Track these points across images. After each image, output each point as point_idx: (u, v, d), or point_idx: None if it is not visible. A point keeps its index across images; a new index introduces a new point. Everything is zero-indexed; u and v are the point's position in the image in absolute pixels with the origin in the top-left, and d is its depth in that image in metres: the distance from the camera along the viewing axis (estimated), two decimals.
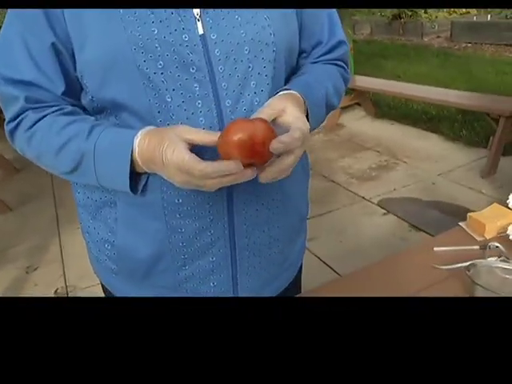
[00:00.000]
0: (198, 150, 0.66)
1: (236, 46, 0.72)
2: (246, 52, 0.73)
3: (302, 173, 0.91)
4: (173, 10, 0.69)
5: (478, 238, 1.03)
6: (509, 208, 1.07)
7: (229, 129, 0.65)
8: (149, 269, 0.82)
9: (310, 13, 0.84)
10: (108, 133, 0.72)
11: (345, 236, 2.66)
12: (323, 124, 3.47)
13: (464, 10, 9.18)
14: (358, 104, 4.97)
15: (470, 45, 7.63)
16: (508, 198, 1.09)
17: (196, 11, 0.71)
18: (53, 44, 0.71)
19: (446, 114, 4.37)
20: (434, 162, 3.56)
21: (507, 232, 0.99)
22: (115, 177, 0.72)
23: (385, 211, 2.92)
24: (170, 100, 0.71)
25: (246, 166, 0.64)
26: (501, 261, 0.91)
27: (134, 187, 0.73)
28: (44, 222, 3.32)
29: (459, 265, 0.92)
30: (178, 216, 0.77)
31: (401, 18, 9.19)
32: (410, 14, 9.05)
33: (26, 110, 0.75)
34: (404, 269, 0.97)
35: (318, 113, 0.81)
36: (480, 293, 0.81)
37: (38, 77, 0.73)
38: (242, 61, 0.73)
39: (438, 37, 8.55)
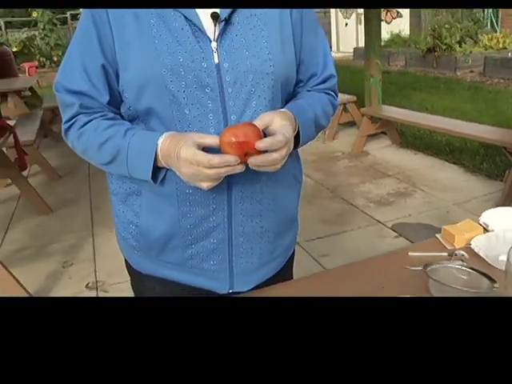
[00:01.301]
0: (204, 150, 0.89)
1: (243, 73, 0.95)
2: (250, 79, 0.95)
3: (292, 180, 1.12)
4: (196, 43, 0.93)
5: (449, 247, 1.20)
6: (479, 224, 1.25)
7: (224, 132, 0.88)
8: (163, 246, 1.05)
9: (308, 51, 1.07)
10: (139, 134, 0.96)
11: (355, 254, 2.82)
12: (349, 151, 3.75)
13: (501, 45, 9.25)
14: (384, 133, 5.14)
15: (502, 80, 7.70)
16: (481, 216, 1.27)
17: (214, 45, 0.94)
18: (103, 65, 0.96)
19: (469, 146, 4.49)
20: (452, 192, 3.69)
21: (471, 243, 1.16)
22: (142, 168, 0.95)
23: (397, 234, 3.07)
24: (188, 112, 0.93)
25: (243, 159, 0.87)
26: (463, 266, 1.09)
27: (154, 178, 0.96)
28: (80, 223, 3.61)
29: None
30: (188, 204, 0.99)
31: (435, 52, 9.31)
32: (444, 47, 9.17)
33: (79, 114, 0.99)
34: (380, 267, 1.16)
35: (307, 129, 1.03)
36: (433, 286, 0.99)
37: (89, 89, 0.97)
38: (246, 85, 0.95)
39: (472, 71, 8.63)
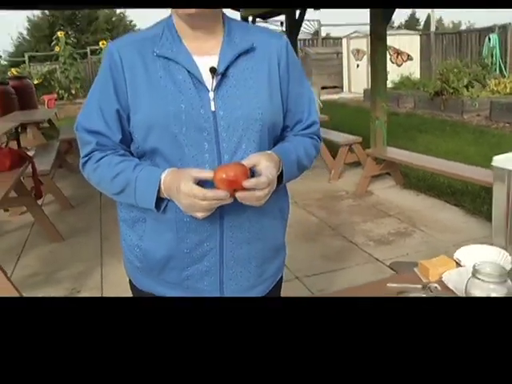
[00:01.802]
0: (200, 183, 1.04)
1: (234, 120, 1.11)
2: (241, 124, 1.11)
3: (278, 212, 1.26)
4: (196, 93, 1.09)
5: (424, 280, 1.31)
6: (454, 259, 1.36)
7: (217, 170, 1.03)
8: (162, 266, 1.19)
9: (294, 100, 1.23)
10: (145, 169, 1.12)
11: None
12: (353, 190, 3.90)
13: (507, 90, 9.44)
14: (388, 174, 5.27)
15: (507, 125, 7.84)
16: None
17: (211, 95, 1.10)
18: (117, 109, 1.13)
19: (470, 189, 4.59)
20: (451, 233, 3.78)
21: (443, 277, 1.27)
22: (147, 198, 1.10)
23: (393, 272, 3.15)
24: (187, 152, 1.09)
25: (232, 193, 1.01)
26: (430, 296, 1.20)
27: (158, 207, 1.11)
28: (90, 252, 3.74)
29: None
30: (185, 230, 1.13)
31: (442, 95, 9.52)
32: (451, 91, 9.39)
33: (95, 151, 1.15)
34: (360, 295, 1.27)
35: (290, 170, 1.18)
36: None
37: (105, 129, 1.14)
38: (238, 130, 1.11)
39: (478, 115, 8.79)
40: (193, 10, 1.07)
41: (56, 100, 16.06)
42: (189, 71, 1.10)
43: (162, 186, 1.08)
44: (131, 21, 29.76)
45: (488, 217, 4.01)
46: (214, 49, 1.14)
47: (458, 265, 1.33)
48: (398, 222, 4.11)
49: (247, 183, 1.01)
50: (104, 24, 27.11)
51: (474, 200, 4.35)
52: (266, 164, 1.08)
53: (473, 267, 1.02)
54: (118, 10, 25.76)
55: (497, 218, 1.36)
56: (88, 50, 19.19)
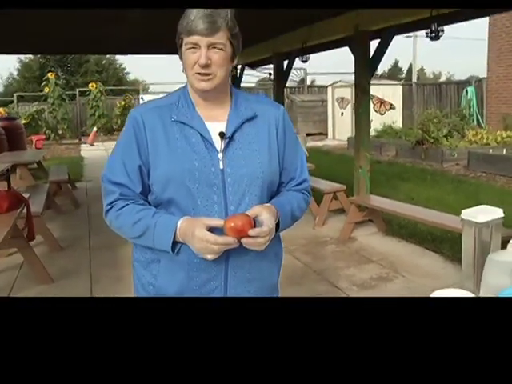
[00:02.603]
0: (211, 229, 1.21)
1: (239, 177, 1.30)
2: (245, 181, 1.30)
3: (273, 257, 1.44)
4: (207, 153, 1.28)
5: None
6: None
7: (227, 219, 1.21)
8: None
9: (289, 161, 1.42)
10: (163, 217, 1.29)
11: None
12: (337, 236, 4.10)
13: (485, 140, 9.84)
14: (371, 220, 5.45)
15: (484, 174, 8.16)
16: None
17: (220, 155, 1.29)
18: (139, 165, 1.31)
19: (449, 236, 4.77)
20: (431, 279, 3.92)
21: None
22: (164, 242, 1.27)
23: None
24: (199, 203, 1.27)
25: (238, 239, 1.20)
26: None
27: (173, 249, 1.27)
28: (80, 295, 3.78)
29: None
30: (195, 270, 1.30)
31: (423, 144, 9.88)
32: (431, 140, 9.76)
33: (118, 200, 1.32)
34: None
35: (285, 220, 1.37)
36: None
37: (127, 182, 1.32)
38: (242, 185, 1.30)
39: (457, 164, 9.14)
40: (208, 87, 1.29)
41: (44, 140, 16.19)
42: (201, 135, 1.30)
43: (177, 232, 1.26)
44: (121, 64, 30.44)
45: None
46: (223, 116, 1.36)
47: None
48: (380, 268, 4.25)
49: (253, 232, 1.20)
50: (94, 66, 27.66)
51: (452, 247, 4.52)
52: (266, 215, 1.26)
53: None
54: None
55: (466, 266, 1.51)
56: (77, 91, 19.54)
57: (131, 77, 31.50)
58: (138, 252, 1.41)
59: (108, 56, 27.78)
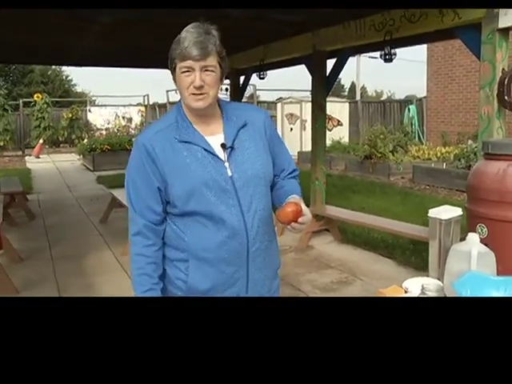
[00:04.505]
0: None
1: (246, 180, 1.49)
2: (252, 183, 1.50)
3: (275, 244, 1.65)
4: (214, 164, 1.46)
5: None
6: (402, 288, 1.73)
7: (284, 206, 1.43)
8: (203, 294, 1.48)
9: (279, 155, 1.65)
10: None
11: None
12: (295, 245, 4.40)
13: (426, 156, 10.48)
14: (327, 230, 5.73)
15: (428, 187, 8.71)
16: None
17: (226, 164, 1.47)
18: (157, 187, 1.48)
19: (401, 242, 5.13)
20: (387, 281, 4.20)
21: None
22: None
23: None
24: (219, 208, 1.44)
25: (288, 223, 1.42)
26: None
27: None
28: None
29: None
30: (224, 265, 1.47)
31: (371, 159, 10.39)
32: (379, 155, 10.29)
33: (139, 235, 1.51)
34: None
35: None
36: None
37: (148, 208, 1.51)
38: (249, 187, 1.50)
39: (403, 177, 9.69)
40: (203, 105, 1.46)
41: None
42: (205, 149, 1.48)
43: None
44: (67, 75, 29.82)
45: (416, 267, 4.53)
46: (218, 128, 1.54)
47: (406, 292, 1.70)
48: (339, 273, 4.52)
49: (302, 220, 1.43)
50: (39, 77, 26.95)
51: (403, 252, 4.88)
52: (304, 206, 1.47)
53: (421, 285, 1.39)
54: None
55: (432, 258, 1.76)
56: (20, 102, 19.00)
57: (78, 89, 30.95)
58: (171, 250, 1.54)
59: (54, 67, 27.17)
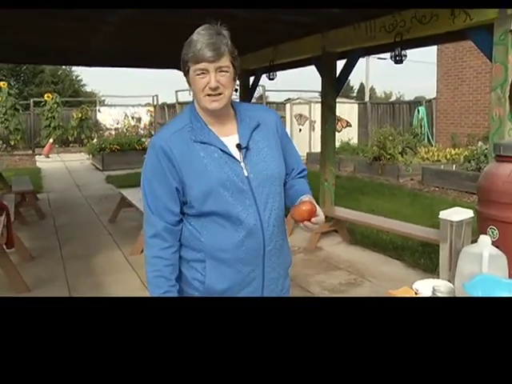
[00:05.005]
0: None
1: (262, 180, 1.50)
2: (267, 182, 1.51)
3: (287, 244, 1.65)
4: (231, 164, 1.47)
5: None
6: (413, 289, 1.73)
7: (300, 204, 1.45)
8: (220, 294, 1.50)
9: (289, 154, 1.66)
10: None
11: None
12: (305, 246, 4.41)
13: (436, 157, 10.43)
14: (336, 231, 5.73)
15: (437, 188, 8.67)
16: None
17: (242, 164, 1.49)
18: (176, 187, 1.48)
19: (410, 244, 5.11)
20: (396, 283, 4.19)
21: None
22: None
23: None
24: (237, 208, 1.45)
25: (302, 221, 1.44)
26: None
27: None
28: None
29: None
30: (241, 265, 1.48)
31: (380, 160, 10.36)
32: (388, 157, 10.26)
33: (155, 237, 1.51)
34: None
35: None
36: None
37: (165, 209, 1.50)
38: (265, 187, 1.51)
39: (412, 179, 9.65)
40: (219, 106, 1.47)
41: None
42: (222, 150, 1.49)
43: None
44: (77, 75, 30.01)
45: (425, 269, 4.51)
46: (232, 129, 1.55)
47: (416, 293, 1.70)
48: (347, 274, 4.51)
49: (315, 220, 1.45)
50: (50, 77, 27.15)
51: (413, 254, 4.86)
52: (318, 207, 1.48)
53: (432, 287, 1.39)
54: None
55: (443, 260, 1.75)
56: (31, 101, 19.14)
57: (87, 89, 31.13)
58: (188, 251, 1.54)
59: (64, 67, 27.35)
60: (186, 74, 1.49)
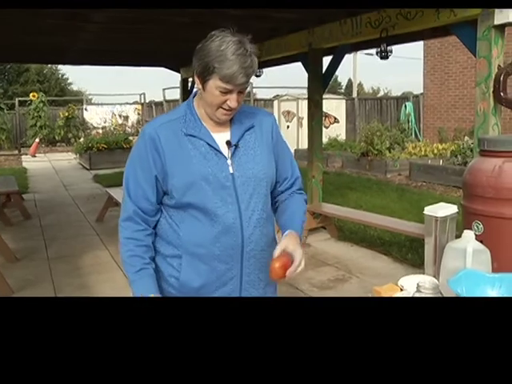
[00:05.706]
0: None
1: (247, 179, 1.48)
2: (252, 182, 1.49)
3: (274, 247, 1.59)
4: (217, 160, 1.45)
5: None
6: (398, 286, 1.72)
7: (275, 261, 1.40)
8: (196, 293, 1.48)
9: (282, 161, 1.63)
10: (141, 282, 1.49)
11: None
12: None
13: (423, 152, 10.48)
14: (324, 227, 5.73)
15: (424, 183, 8.72)
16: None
17: (229, 161, 1.47)
18: (155, 176, 1.47)
19: (397, 239, 5.13)
20: (383, 278, 4.21)
21: None
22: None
23: None
24: (215, 204, 1.43)
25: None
26: None
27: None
28: None
29: None
30: (217, 262, 1.46)
31: (368, 156, 10.40)
32: (376, 152, 10.29)
33: (129, 220, 1.50)
34: None
35: (301, 233, 1.56)
36: None
37: (143, 195, 1.49)
38: (249, 186, 1.49)
39: (400, 174, 9.69)
40: (228, 119, 1.49)
41: None
42: (210, 145, 1.48)
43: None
44: (63, 74, 29.73)
45: (413, 263, 4.53)
46: (225, 126, 1.54)
47: (401, 290, 1.69)
48: (336, 270, 4.52)
49: (292, 269, 1.40)
50: (35, 76, 26.86)
51: (400, 249, 4.88)
52: (292, 248, 1.44)
53: (417, 283, 1.38)
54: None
55: (428, 255, 1.75)
56: (16, 101, 18.93)
57: (74, 87, 30.88)
58: (158, 244, 1.54)
59: (50, 66, 27.08)
60: (204, 80, 1.43)
